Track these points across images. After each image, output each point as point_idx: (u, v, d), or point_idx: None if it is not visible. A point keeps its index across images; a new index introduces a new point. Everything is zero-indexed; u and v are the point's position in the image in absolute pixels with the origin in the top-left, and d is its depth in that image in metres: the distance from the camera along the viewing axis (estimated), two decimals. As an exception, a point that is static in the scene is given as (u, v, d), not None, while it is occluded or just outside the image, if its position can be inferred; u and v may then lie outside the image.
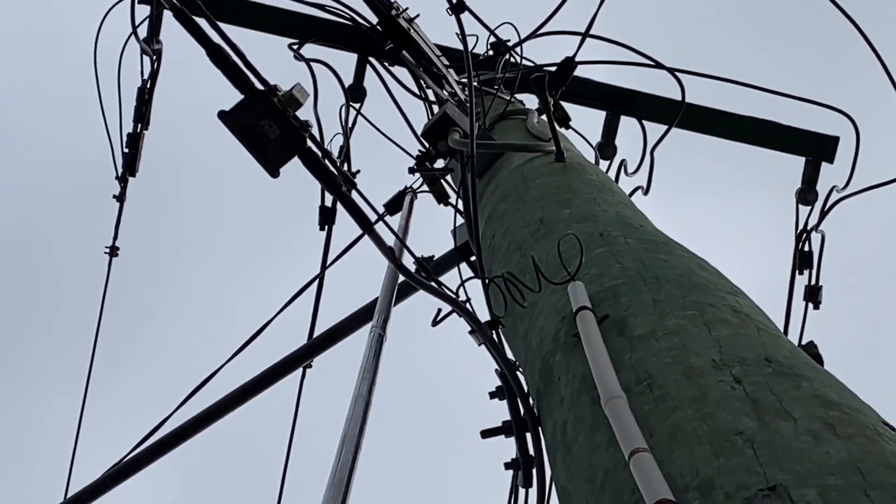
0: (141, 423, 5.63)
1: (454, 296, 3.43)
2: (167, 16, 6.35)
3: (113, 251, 7.00)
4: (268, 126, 2.97)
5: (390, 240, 3.48)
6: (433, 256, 4.77)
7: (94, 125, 6.60)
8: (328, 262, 6.09)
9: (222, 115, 2.97)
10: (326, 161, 3.10)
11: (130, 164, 6.61)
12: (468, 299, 3.56)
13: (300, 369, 5.79)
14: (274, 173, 3.02)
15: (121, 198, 6.85)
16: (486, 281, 3.58)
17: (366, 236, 3.24)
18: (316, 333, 5.92)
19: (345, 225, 6.16)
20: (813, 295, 6.44)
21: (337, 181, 3.12)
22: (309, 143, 3.01)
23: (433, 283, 3.42)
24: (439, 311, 3.41)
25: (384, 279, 3.86)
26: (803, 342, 4.52)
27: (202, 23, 3.06)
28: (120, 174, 6.72)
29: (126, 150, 6.58)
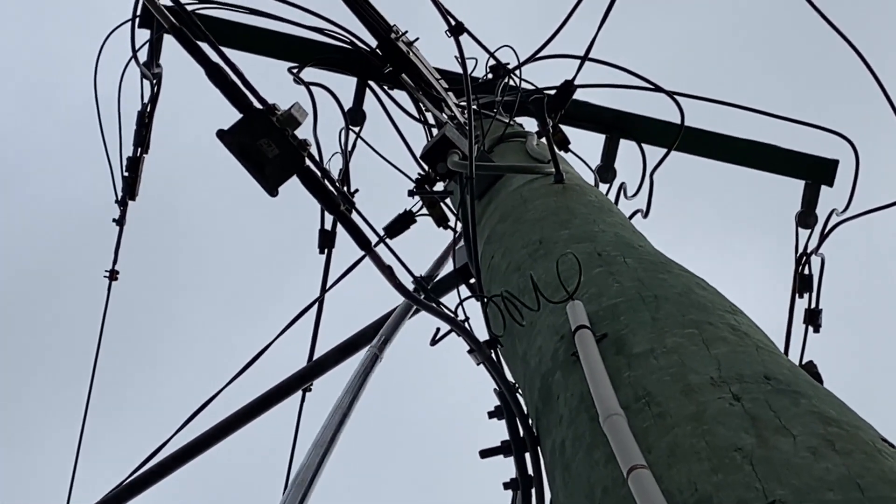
0: (141, 447, 5.62)
1: (453, 315, 3.43)
2: (167, 40, 6.37)
3: (112, 275, 7.00)
4: (266, 145, 2.97)
5: (389, 260, 3.48)
6: (432, 276, 4.76)
7: (95, 152, 6.62)
8: (328, 286, 6.08)
9: (221, 134, 2.98)
10: (325, 180, 3.11)
11: (130, 188, 6.61)
12: (467, 318, 3.56)
13: (300, 392, 5.78)
14: (273, 192, 3.02)
15: (120, 221, 6.85)
16: (485, 300, 3.57)
17: (365, 258, 3.24)
18: (315, 356, 5.91)
19: (344, 249, 6.17)
20: (813, 318, 6.43)
21: (336, 200, 3.12)
22: (307, 162, 3.02)
23: (432, 303, 3.42)
24: (438, 330, 3.41)
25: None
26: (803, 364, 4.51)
27: (203, 45, 3.07)
28: (120, 198, 6.72)
29: (126, 174, 6.58)
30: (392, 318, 3.81)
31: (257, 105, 3.00)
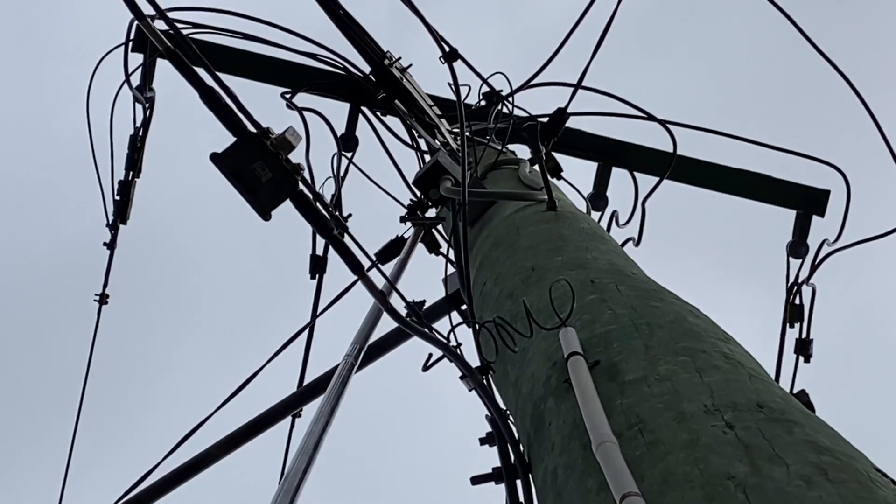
0: (130, 472, 5.59)
1: (445, 341, 3.42)
2: (161, 68, 6.38)
3: (103, 298, 6.98)
4: (260, 169, 2.96)
5: (381, 284, 3.47)
6: (424, 301, 4.75)
7: (87, 181, 6.61)
8: (319, 311, 6.07)
9: (214, 158, 2.97)
10: (318, 204, 3.10)
11: (121, 212, 6.61)
12: (459, 344, 3.54)
13: (289, 418, 5.75)
14: (265, 216, 3.01)
15: (111, 245, 6.83)
16: (477, 326, 3.56)
17: (357, 283, 3.23)
18: (305, 382, 5.90)
19: (335, 275, 6.15)
20: (804, 348, 6.43)
21: (328, 225, 3.11)
22: (301, 186, 3.01)
23: (424, 328, 3.41)
24: (430, 356, 3.40)
25: (367, 312, 3.88)
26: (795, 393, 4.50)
27: (198, 70, 3.06)
28: (111, 221, 6.71)
29: (117, 198, 6.58)
30: (362, 325, 3.82)
31: (251, 128, 2.99)
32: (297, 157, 3.06)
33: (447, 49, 4.44)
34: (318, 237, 6.07)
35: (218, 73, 3.07)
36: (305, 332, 6.00)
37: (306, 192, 3.05)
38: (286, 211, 3.13)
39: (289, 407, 5.42)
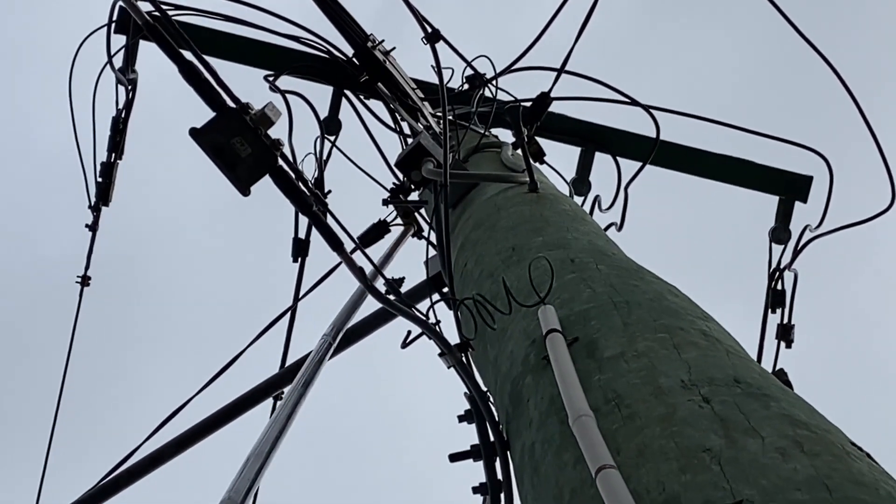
0: (112, 453, 5.59)
1: (424, 318, 3.42)
2: (143, 46, 6.36)
3: (84, 281, 6.97)
4: (239, 144, 2.96)
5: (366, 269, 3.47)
6: (403, 279, 4.76)
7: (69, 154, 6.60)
8: (301, 294, 6.06)
9: (194, 133, 2.97)
10: (298, 181, 3.10)
11: (104, 194, 6.59)
12: (438, 322, 3.55)
13: (270, 399, 5.75)
14: (245, 191, 3.01)
15: (93, 227, 6.82)
16: (456, 303, 3.57)
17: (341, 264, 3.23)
18: (287, 364, 5.89)
19: (320, 258, 6.15)
20: (785, 333, 6.44)
21: (308, 201, 3.11)
22: (280, 161, 3.01)
23: (403, 305, 3.41)
24: (409, 333, 3.40)
25: (351, 295, 3.89)
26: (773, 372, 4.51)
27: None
28: (93, 203, 6.70)
29: (100, 180, 6.56)
30: (345, 305, 3.83)
31: (231, 104, 2.99)
32: (278, 134, 3.06)
33: (430, 30, 4.44)
34: (300, 220, 6.06)
35: (199, 52, 3.07)
36: (287, 315, 5.99)
37: (286, 168, 3.05)
38: (271, 192, 3.13)
39: (269, 388, 5.42)
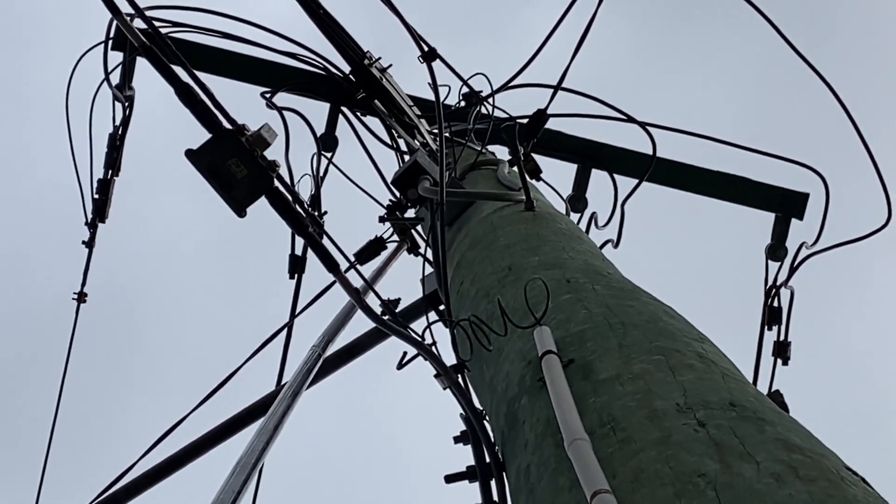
0: (108, 470, 5.58)
1: (420, 339, 3.42)
2: (139, 63, 6.36)
3: (81, 297, 6.97)
4: (235, 166, 2.96)
5: (359, 285, 3.47)
6: (399, 299, 4.76)
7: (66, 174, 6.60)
8: (297, 311, 6.06)
9: (190, 154, 2.97)
10: (294, 203, 3.10)
11: (100, 210, 6.59)
12: (434, 343, 3.55)
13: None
14: (241, 213, 3.01)
15: (90, 244, 6.82)
16: (452, 324, 3.57)
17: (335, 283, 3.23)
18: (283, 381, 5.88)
19: (317, 275, 6.15)
20: (782, 351, 6.44)
21: (304, 222, 3.11)
22: (276, 183, 3.00)
23: (399, 327, 3.41)
24: (405, 354, 3.40)
25: (343, 307, 3.90)
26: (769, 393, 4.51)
27: (176, 69, 3.06)
28: (89, 220, 6.70)
29: (96, 196, 6.56)
30: (335, 318, 3.83)
31: (227, 125, 2.98)
32: (274, 155, 3.06)
33: (426, 48, 4.44)
34: (297, 237, 6.06)
35: (196, 72, 3.07)
36: (284, 332, 5.99)
37: (282, 189, 3.05)
38: (266, 211, 3.13)
39: (266, 406, 5.40)
